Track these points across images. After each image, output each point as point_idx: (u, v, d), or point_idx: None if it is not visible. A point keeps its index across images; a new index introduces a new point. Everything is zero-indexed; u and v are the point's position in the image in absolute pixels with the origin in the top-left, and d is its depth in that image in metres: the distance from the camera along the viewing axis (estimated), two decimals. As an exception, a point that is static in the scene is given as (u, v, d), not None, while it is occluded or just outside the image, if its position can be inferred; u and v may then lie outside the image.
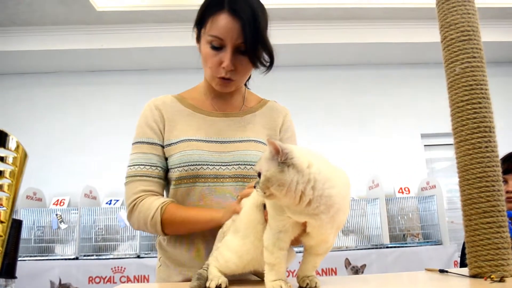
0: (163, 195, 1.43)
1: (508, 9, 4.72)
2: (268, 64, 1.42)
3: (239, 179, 1.36)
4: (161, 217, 1.32)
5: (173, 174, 1.39)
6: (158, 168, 1.40)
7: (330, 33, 4.90)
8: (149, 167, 1.39)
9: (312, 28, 4.86)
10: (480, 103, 1.13)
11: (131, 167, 1.40)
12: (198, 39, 1.38)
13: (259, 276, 1.26)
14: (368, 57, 5.33)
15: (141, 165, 1.39)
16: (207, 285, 1.05)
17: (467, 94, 1.14)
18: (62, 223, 4.40)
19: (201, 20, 1.37)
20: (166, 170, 1.43)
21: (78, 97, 5.33)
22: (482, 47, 1.18)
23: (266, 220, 1.03)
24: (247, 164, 1.38)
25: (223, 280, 1.06)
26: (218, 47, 1.32)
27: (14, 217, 1.01)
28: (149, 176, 1.38)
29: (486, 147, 1.11)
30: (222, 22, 1.29)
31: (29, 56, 4.91)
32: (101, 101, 5.31)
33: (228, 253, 1.10)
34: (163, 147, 1.43)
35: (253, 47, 1.30)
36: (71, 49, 4.83)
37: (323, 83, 5.45)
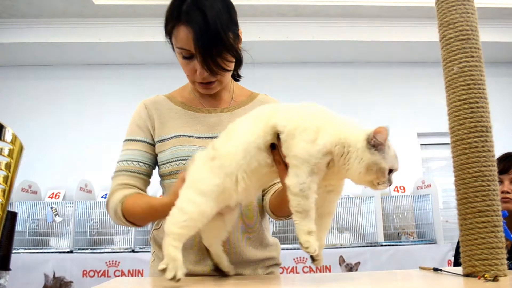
0: (142, 189, 1.44)
1: (507, 9, 4.73)
2: (236, 62, 1.44)
3: None
4: (122, 211, 1.34)
5: (165, 169, 1.42)
6: (141, 163, 1.43)
7: (327, 31, 4.90)
8: (131, 162, 1.43)
9: (310, 25, 4.86)
10: (477, 102, 1.13)
11: (118, 163, 1.45)
12: (173, 48, 1.39)
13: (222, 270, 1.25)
14: (366, 55, 5.33)
15: (124, 161, 1.43)
16: (159, 268, 0.99)
17: (465, 93, 1.14)
18: (57, 216, 4.39)
19: (167, 32, 1.38)
20: (152, 167, 1.47)
21: (75, 90, 5.31)
22: (480, 47, 1.18)
23: (277, 161, 1.04)
24: None
25: (182, 271, 1.00)
26: (188, 57, 1.34)
27: (9, 209, 1.01)
28: (130, 171, 1.42)
29: (483, 146, 1.11)
30: (182, 35, 1.30)
31: (26, 48, 4.90)
32: (98, 94, 5.30)
33: (200, 197, 1.03)
34: (151, 144, 1.46)
35: (207, 54, 1.29)
36: (68, 42, 4.81)
37: (319, 81, 5.45)
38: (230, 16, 1.34)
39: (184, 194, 1.06)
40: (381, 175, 0.97)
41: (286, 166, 1.03)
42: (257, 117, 1.08)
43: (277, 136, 1.02)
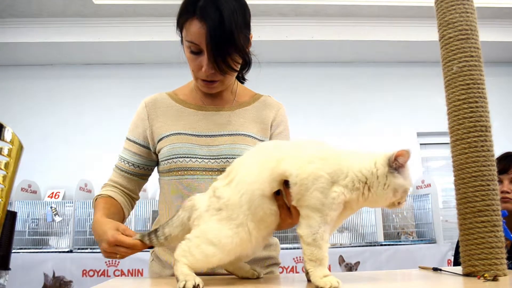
0: (127, 187, 1.51)
1: (506, 9, 4.73)
2: (244, 65, 1.45)
3: None
4: (94, 208, 1.44)
5: (164, 166, 1.43)
6: (129, 163, 1.50)
7: (327, 30, 4.90)
8: (123, 161, 1.51)
9: (310, 25, 4.86)
10: (476, 102, 1.14)
11: (117, 158, 1.54)
12: (182, 41, 1.39)
13: (227, 271, 1.24)
14: (365, 54, 5.33)
15: (120, 157, 1.52)
16: (180, 286, 0.97)
17: (464, 93, 1.15)
18: (56, 216, 4.39)
19: (179, 25, 1.38)
20: (145, 167, 1.52)
21: (74, 90, 5.31)
22: (480, 46, 1.18)
23: (280, 206, 1.03)
24: (235, 158, 1.38)
25: (200, 280, 0.99)
26: (196, 52, 1.34)
27: (8, 209, 1.01)
28: (121, 169, 1.51)
29: (482, 146, 1.11)
30: (194, 29, 1.29)
31: (26, 48, 4.89)
32: (97, 94, 5.29)
33: (210, 247, 1.01)
34: (144, 147, 1.50)
35: (217, 52, 1.29)
36: (67, 42, 4.81)
37: (319, 80, 5.45)
38: (244, 18, 1.34)
39: (194, 241, 1.04)
40: (404, 194, 0.99)
41: (289, 210, 1.03)
42: (261, 161, 1.05)
43: (283, 181, 1.02)
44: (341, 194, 0.96)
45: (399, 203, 1.01)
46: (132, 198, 1.54)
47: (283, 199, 1.03)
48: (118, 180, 1.50)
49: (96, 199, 1.45)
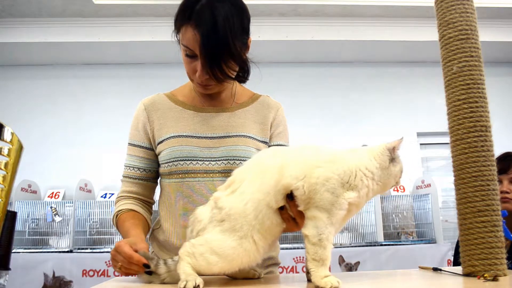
0: (143, 194, 1.50)
1: (506, 9, 4.73)
2: (241, 72, 1.42)
3: (229, 174, 1.31)
4: (116, 224, 1.46)
5: (164, 169, 1.42)
6: (140, 169, 1.48)
7: (327, 30, 4.90)
8: (132, 168, 1.48)
9: (310, 25, 4.86)
10: (477, 102, 1.14)
11: (124, 168, 1.51)
12: (178, 42, 1.38)
13: (228, 275, 1.23)
14: (365, 54, 5.33)
15: (127, 166, 1.50)
16: (181, 285, 0.98)
17: (464, 93, 1.15)
18: (56, 216, 4.39)
19: (176, 27, 1.36)
20: (155, 170, 1.50)
21: (74, 90, 5.31)
22: (480, 46, 1.18)
23: (286, 219, 1.04)
24: (236, 159, 1.39)
25: (200, 281, 0.99)
26: (191, 56, 1.32)
27: (8, 208, 1.01)
28: (131, 177, 1.49)
29: (482, 146, 1.11)
30: (189, 34, 1.28)
31: (26, 48, 4.89)
32: (97, 94, 5.29)
33: (213, 257, 1.01)
34: (149, 149, 1.48)
35: (212, 60, 1.27)
36: (67, 42, 4.81)
37: (319, 80, 5.44)
38: (241, 23, 1.32)
39: (198, 248, 1.03)
40: (401, 174, 1.10)
41: (295, 221, 1.04)
42: (263, 172, 1.06)
43: (287, 194, 1.03)
44: (352, 196, 1.00)
45: (396, 182, 1.09)
46: (150, 204, 1.53)
47: (288, 213, 1.04)
48: (133, 189, 1.48)
49: (117, 215, 1.44)
